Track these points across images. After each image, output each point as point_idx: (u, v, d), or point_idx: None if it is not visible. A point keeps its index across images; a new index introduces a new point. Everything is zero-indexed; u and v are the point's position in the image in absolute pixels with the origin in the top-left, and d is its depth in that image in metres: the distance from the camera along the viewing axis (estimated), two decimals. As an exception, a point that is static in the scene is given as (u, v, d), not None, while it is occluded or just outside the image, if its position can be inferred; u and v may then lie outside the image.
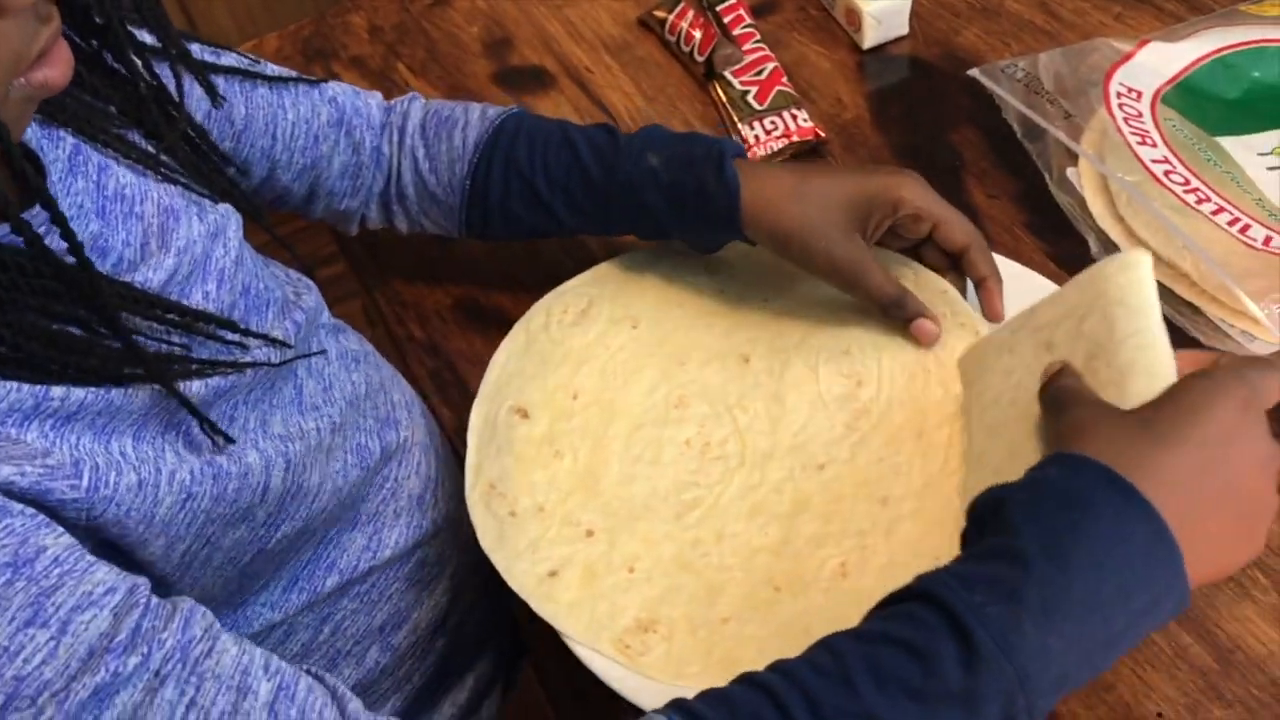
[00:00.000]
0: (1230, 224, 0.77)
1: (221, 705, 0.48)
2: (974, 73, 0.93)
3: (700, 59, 1.03)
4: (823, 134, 0.96)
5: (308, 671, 0.54)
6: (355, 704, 0.53)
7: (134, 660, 0.46)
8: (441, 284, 0.93)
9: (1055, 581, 0.49)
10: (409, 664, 0.79)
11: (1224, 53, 0.91)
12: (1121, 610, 0.49)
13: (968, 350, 0.74)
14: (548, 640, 0.69)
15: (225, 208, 0.66)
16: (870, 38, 1.03)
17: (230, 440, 0.59)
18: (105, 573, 0.48)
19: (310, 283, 0.76)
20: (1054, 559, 0.49)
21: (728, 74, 1.01)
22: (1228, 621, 0.66)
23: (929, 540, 0.68)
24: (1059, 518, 0.50)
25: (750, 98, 0.99)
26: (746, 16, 1.05)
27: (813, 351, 0.78)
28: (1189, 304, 0.77)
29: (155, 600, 0.49)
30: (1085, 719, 0.64)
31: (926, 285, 0.78)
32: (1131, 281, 0.61)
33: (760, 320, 0.81)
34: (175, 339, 0.58)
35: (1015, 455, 0.63)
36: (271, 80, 0.79)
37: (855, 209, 0.74)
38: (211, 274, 0.62)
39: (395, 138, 0.84)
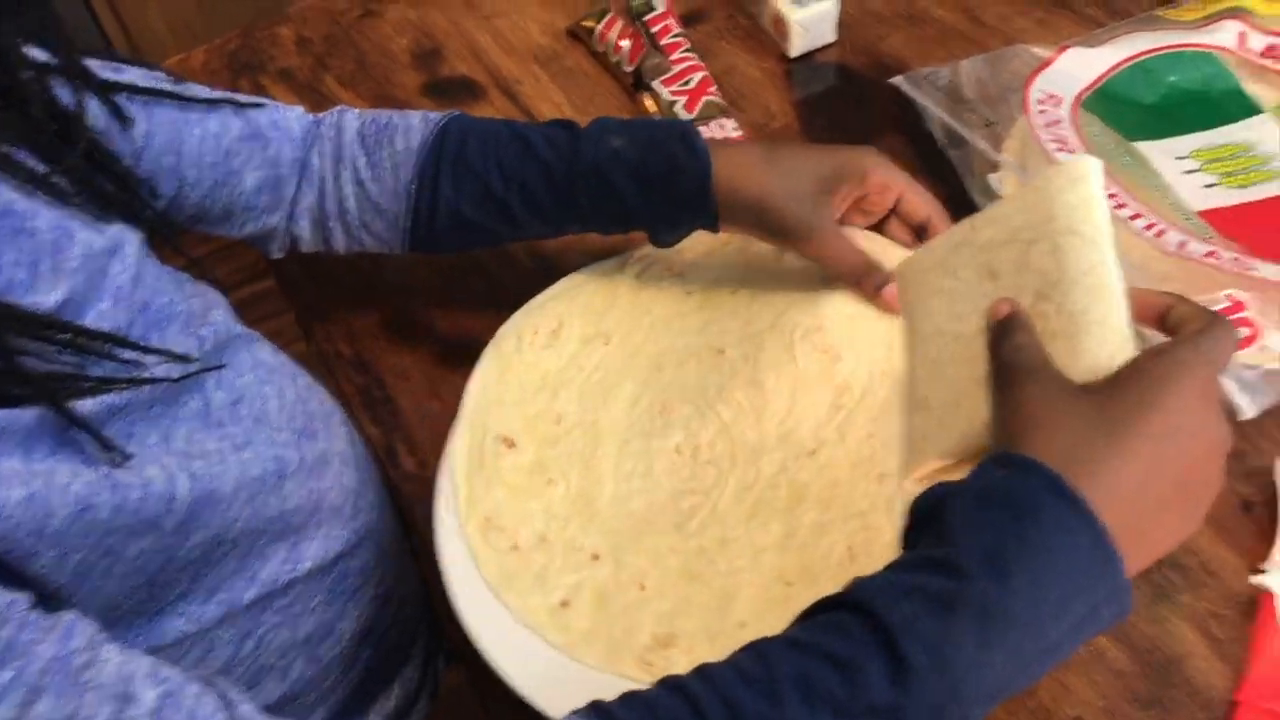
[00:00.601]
0: (1146, 229, 0.78)
1: (104, 715, 0.47)
2: (897, 81, 0.94)
3: (629, 69, 1.03)
4: None
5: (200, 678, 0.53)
6: (247, 708, 0.52)
7: (7, 674, 0.45)
8: (372, 300, 0.93)
9: (995, 594, 0.48)
10: (335, 675, 0.78)
11: (1142, 58, 0.92)
12: (1061, 621, 0.49)
13: (907, 260, 0.69)
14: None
15: (121, 225, 0.65)
16: (797, 46, 1.03)
17: (126, 456, 0.58)
18: None
19: (218, 296, 0.75)
20: (995, 571, 0.48)
21: (656, 84, 1.01)
22: (1145, 623, 0.67)
23: None
24: (1002, 527, 0.49)
25: (679, 107, 0.99)
26: (675, 26, 1.05)
27: (785, 331, 0.77)
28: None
29: (34, 615, 0.48)
30: (1006, 724, 0.65)
31: (894, 257, 0.76)
32: (1082, 201, 0.57)
33: (731, 310, 0.81)
34: (68, 358, 0.57)
35: (959, 405, 0.59)
36: (177, 97, 0.77)
37: (824, 179, 0.75)
38: (107, 292, 0.61)
39: (328, 149, 0.81)
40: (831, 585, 0.66)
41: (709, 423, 0.75)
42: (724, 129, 0.97)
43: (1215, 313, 0.56)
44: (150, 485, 0.59)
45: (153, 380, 0.62)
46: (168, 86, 0.76)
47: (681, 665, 0.64)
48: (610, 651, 0.66)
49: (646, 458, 0.74)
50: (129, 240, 0.64)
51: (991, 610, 0.47)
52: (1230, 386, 0.71)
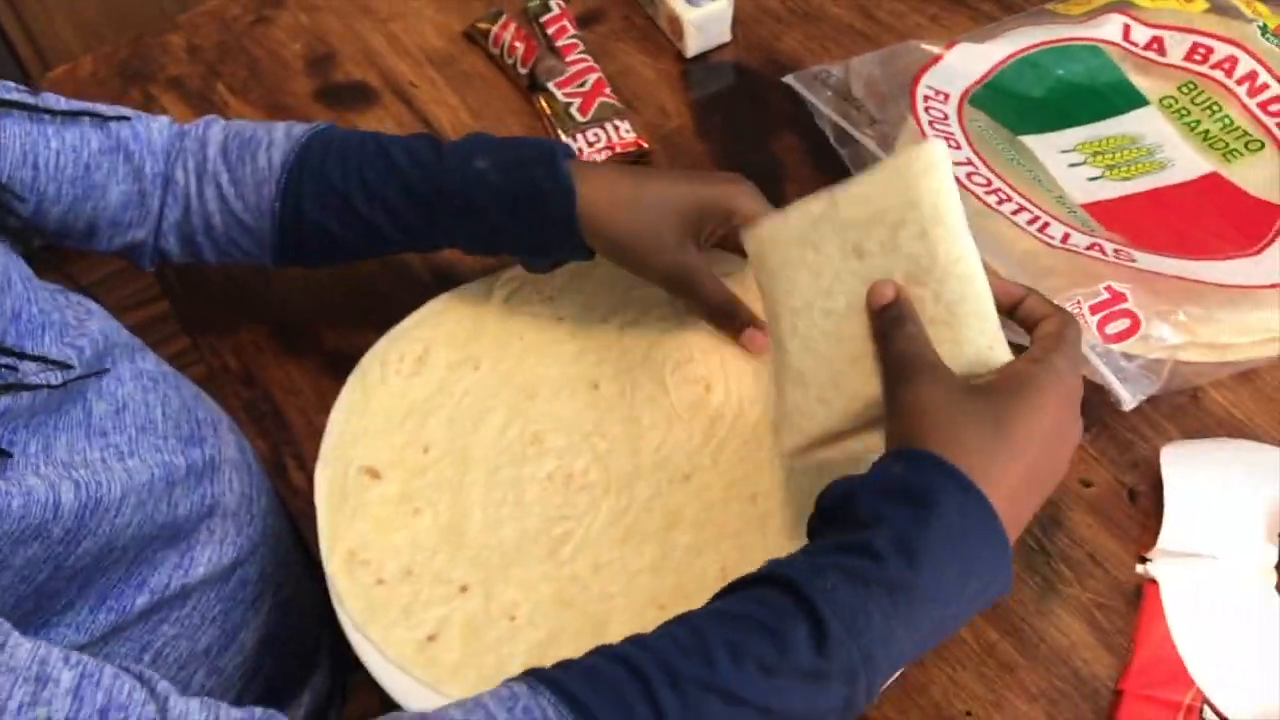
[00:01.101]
0: (1030, 223, 0.79)
1: (19, 697, 0.46)
2: (789, 80, 0.94)
3: (524, 71, 1.02)
4: (646, 144, 0.96)
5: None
6: (165, 684, 0.51)
7: None
8: (259, 314, 0.91)
9: (903, 575, 0.52)
10: (238, 686, 0.77)
11: (1029, 51, 0.93)
12: (959, 598, 0.54)
13: (761, 227, 0.69)
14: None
15: None
16: (693, 45, 1.03)
17: (7, 454, 0.58)
18: None
19: (95, 306, 0.74)
20: (903, 553, 0.52)
21: (550, 86, 1.00)
22: (1034, 616, 0.67)
23: (802, 527, 0.67)
24: (908, 515, 0.54)
25: (573, 110, 0.98)
26: (571, 27, 1.04)
27: (658, 365, 0.78)
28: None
29: None
30: (898, 722, 0.65)
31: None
32: (940, 188, 0.60)
33: (604, 341, 0.80)
34: None
35: (838, 385, 0.62)
36: (30, 108, 0.75)
37: (690, 218, 0.74)
38: None
39: (191, 164, 0.79)
40: (704, 606, 0.66)
41: (582, 454, 0.75)
42: (619, 130, 0.96)
43: (1066, 311, 0.61)
44: (32, 494, 0.58)
45: (34, 387, 0.61)
46: (18, 98, 0.74)
47: None
48: (481, 684, 0.65)
49: (518, 485, 0.74)
50: None
51: (901, 588, 0.52)
52: (1110, 378, 0.72)
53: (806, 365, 0.64)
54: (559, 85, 1.00)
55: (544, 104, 1.00)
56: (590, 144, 0.96)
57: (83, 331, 0.69)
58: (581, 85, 1.00)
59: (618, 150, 0.95)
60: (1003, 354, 0.59)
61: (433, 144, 0.77)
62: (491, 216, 0.75)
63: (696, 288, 0.75)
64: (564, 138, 0.96)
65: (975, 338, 0.59)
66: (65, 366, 0.64)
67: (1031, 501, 0.58)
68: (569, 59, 1.02)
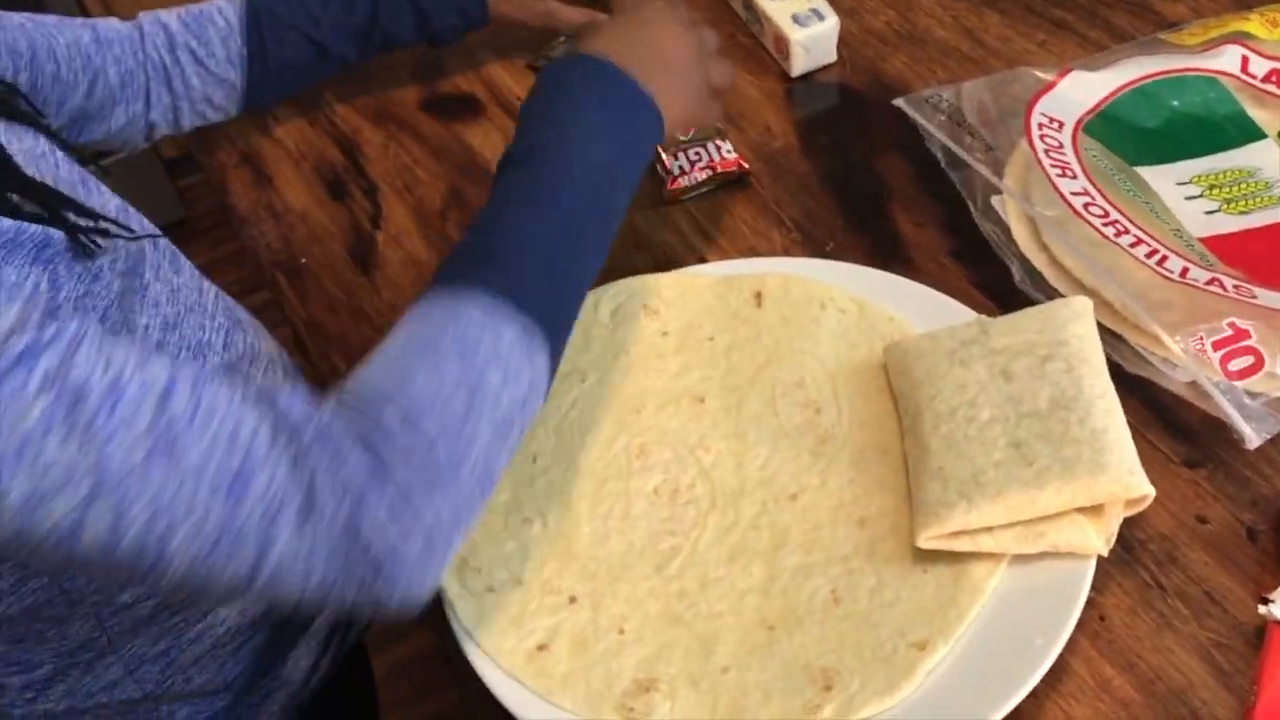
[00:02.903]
0: (1148, 256, 0.78)
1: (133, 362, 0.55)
2: (899, 103, 0.94)
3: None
4: (747, 165, 0.96)
5: None
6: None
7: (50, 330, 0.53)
8: (366, 317, 0.92)
9: (532, 149, 0.70)
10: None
11: (1143, 82, 0.92)
12: (603, 136, 0.71)
13: (904, 343, 0.76)
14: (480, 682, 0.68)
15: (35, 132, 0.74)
16: (799, 65, 1.03)
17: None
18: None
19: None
20: (540, 123, 0.71)
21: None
22: (1150, 653, 0.67)
23: (913, 553, 0.68)
24: (550, 94, 0.73)
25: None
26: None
27: (767, 385, 0.78)
28: (1112, 331, 0.77)
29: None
30: (1010, 754, 0.64)
31: (871, 314, 0.81)
32: (1088, 334, 0.72)
33: (709, 358, 0.81)
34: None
35: (980, 482, 0.66)
36: (31, 19, 0.87)
37: None
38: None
39: (160, 40, 0.94)
40: (816, 629, 0.67)
41: (688, 467, 0.75)
42: (720, 150, 0.96)
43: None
44: None
45: (142, 235, 0.73)
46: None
47: (663, 710, 0.64)
48: (589, 697, 0.66)
49: (625, 499, 0.74)
50: (46, 145, 0.73)
51: (529, 157, 0.70)
52: (1235, 415, 0.71)
53: (948, 462, 0.68)
54: None
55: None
56: (692, 163, 0.96)
57: (132, 215, 0.79)
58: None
59: (719, 170, 0.95)
60: (1142, 481, 0.65)
61: None
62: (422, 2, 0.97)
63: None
64: (664, 155, 0.97)
65: (1118, 462, 0.65)
66: (130, 231, 0.72)
67: (661, 73, 0.75)
68: None
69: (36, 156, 0.71)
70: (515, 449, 0.62)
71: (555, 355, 0.65)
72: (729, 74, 0.85)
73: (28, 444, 0.51)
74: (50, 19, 0.89)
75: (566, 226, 0.68)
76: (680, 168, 0.96)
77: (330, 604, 0.57)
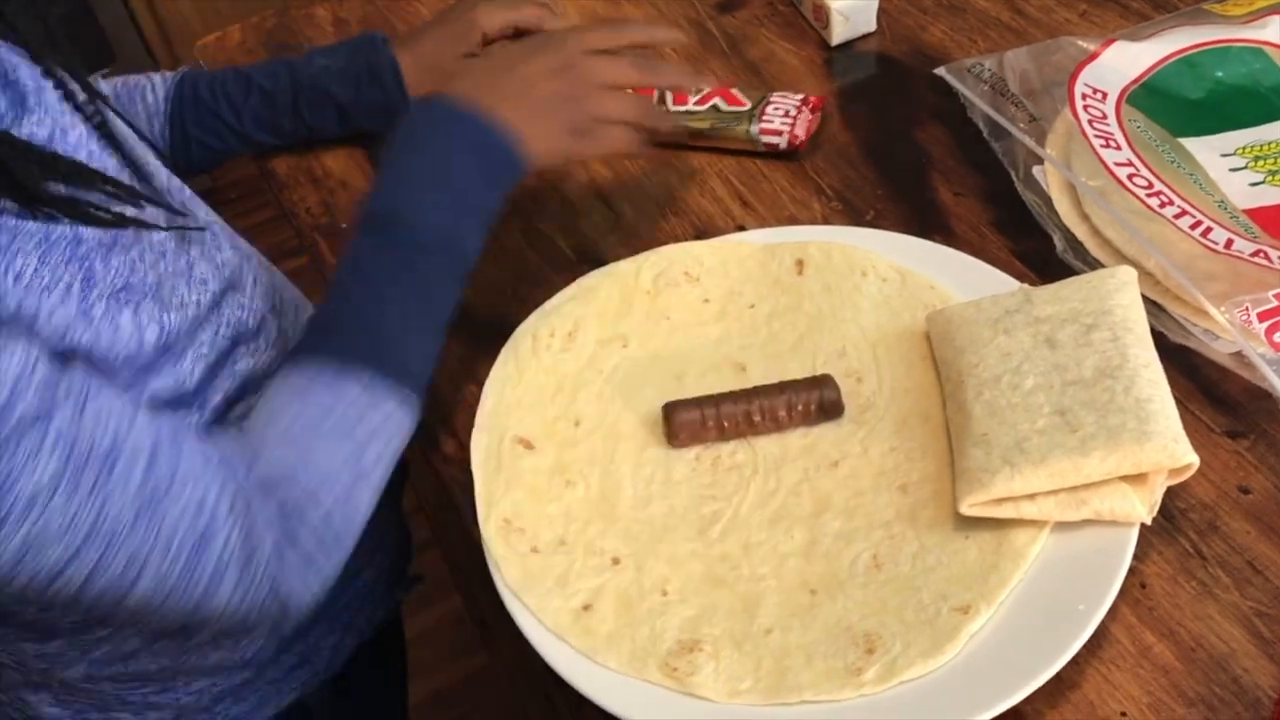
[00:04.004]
0: (1193, 227, 0.78)
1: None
2: (940, 71, 0.94)
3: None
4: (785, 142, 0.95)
5: None
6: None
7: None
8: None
9: (382, 207, 0.74)
10: None
11: (1188, 52, 0.91)
12: (456, 186, 0.74)
13: (946, 311, 0.76)
14: (512, 643, 0.69)
15: None
16: (838, 34, 1.03)
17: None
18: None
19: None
20: (388, 186, 0.75)
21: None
22: (1191, 620, 0.67)
23: (955, 519, 0.69)
24: (406, 144, 0.76)
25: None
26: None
27: (808, 355, 0.79)
28: (1154, 302, 0.77)
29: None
30: (1050, 718, 0.65)
31: (913, 282, 0.81)
32: (1132, 304, 0.72)
33: (751, 325, 0.81)
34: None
35: (1023, 449, 0.66)
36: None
37: (458, 57, 0.96)
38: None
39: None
40: (858, 593, 0.67)
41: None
42: (788, 101, 0.96)
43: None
44: (119, 331, 0.67)
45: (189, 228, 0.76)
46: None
47: (708, 670, 0.65)
48: (634, 656, 0.66)
49: (666, 464, 0.75)
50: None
51: (384, 224, 0.73)
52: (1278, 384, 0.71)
53: (991, 429, 0.68)
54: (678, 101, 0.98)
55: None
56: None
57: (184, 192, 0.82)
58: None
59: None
60: (1187, 450, 0.65)
61: (282, 61, 0.98)
62: (342, 97, 0.96)
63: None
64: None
65: (1163, 431, 0.65)
66: (182, 214, 0.77)
67: (528, 106, 0.77)
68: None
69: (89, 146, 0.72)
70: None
71: (423, 401, 0.73)
72: (626, 106, 0.81)
73: (37, 498, 0.56)
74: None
75: (424, 289, 0.74)
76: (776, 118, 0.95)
77: (234, 630, 0.70)
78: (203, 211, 0.82)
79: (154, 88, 0.97)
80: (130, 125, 0.80)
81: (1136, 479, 0.66)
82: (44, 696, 0.79)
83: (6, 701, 0.82)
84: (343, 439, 0.69)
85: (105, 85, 0.95)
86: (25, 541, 0.56)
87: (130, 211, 0.69)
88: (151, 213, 0.72)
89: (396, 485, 0.91)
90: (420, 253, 0.73)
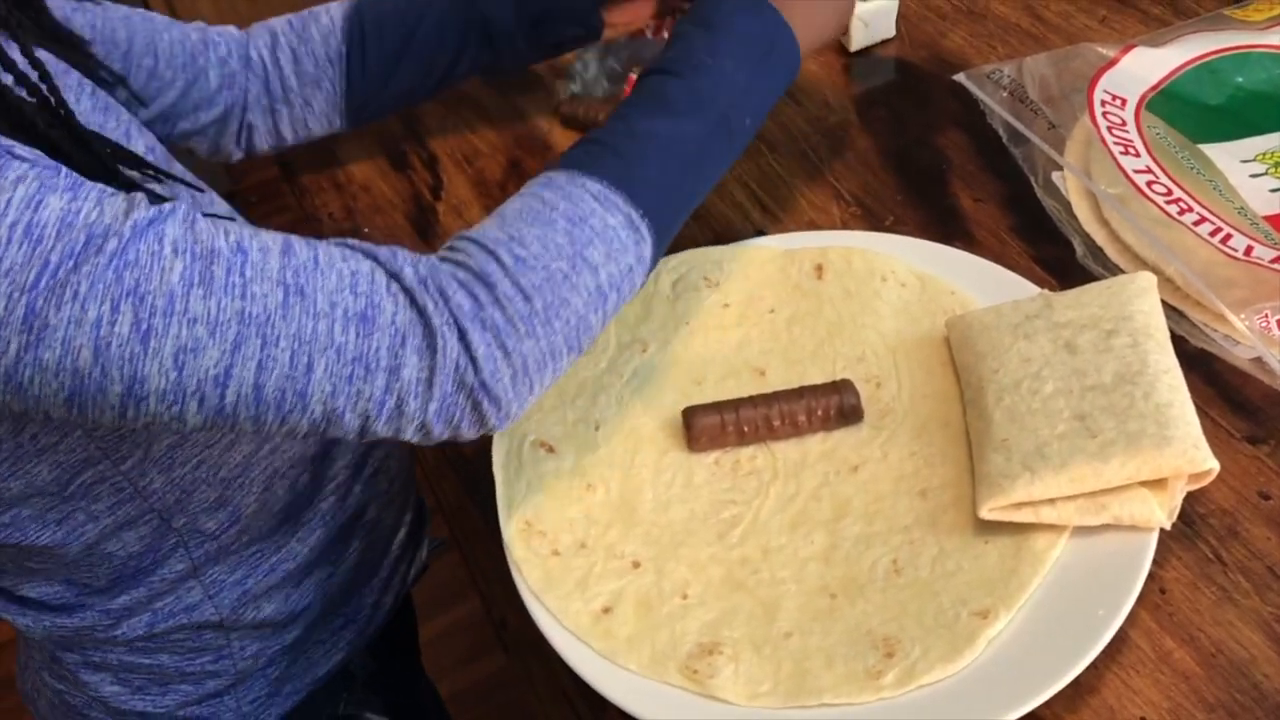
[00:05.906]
0: (1212, 234, 0.78)
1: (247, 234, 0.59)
2: (960, 78, 0.94)
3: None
4: None
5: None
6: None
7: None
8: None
9: (693, 56, 0.71)
10: (331, 499, 0.83)
11: (1208, 58, 0.92)
12: (743, 64, 0.71)
13: (967, 316, 0.77)
14: (532, 645, 0.70)
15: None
16: (857, 40, 1.03)
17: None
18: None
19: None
20: (690, 43, 0.72)
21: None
22: (1211, 626, 0.67)
23: (975, 524, 0.69)
24: (704, 16, 0.73)
25: None
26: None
27: (828, 360, 0.79)
28: (1174, 307, 0.78)
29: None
30: (1070, 723, 0.65)
31: (933, 288, 0.81)
32: (1152, 310, 0.72)
33: (770, 331, 0.82)
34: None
35: (1044, 454, 0.67)
36: (142, 15, 0.88)
37: None
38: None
39: (264, 42, 0.93)
40: (878, 597, 0.68)
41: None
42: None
43: None
44: None
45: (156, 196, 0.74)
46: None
47: (728, 672, 0.65)
48: (654, 659, 0.67)
49: (686, 468, 0.75)
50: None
51: (665, 73, 0.70)
52: (1300, 392, 0.71)
53: (1012, 434, 0.69)
54: None
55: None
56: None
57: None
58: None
59: None
60: (1207, 455, 0.65)
61: None
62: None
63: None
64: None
65: (1183, 436, 0.65)
66: (200, 189, 0.77)
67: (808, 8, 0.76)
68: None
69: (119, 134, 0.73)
70: (612, 316, 0.67)
71: (658, 249, 0.68)
72: None
73: (174, 300, 0.55)
74: (162, 19, 0.90)
75: (691, 137, 0.69)
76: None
77: (436, 432, 0.62)
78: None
79: (330, 8, 0.94)
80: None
81: (1156, 484, 0.67)
82: (104, 676, 0.80)
83: (65, 689, 0.82)
84: (562, 232, 0.64)
85: (281, 21, 0.95)
86: (178, 345, 0.55)
87: (163, 190, 0.70)
88: (181, 192, 0.73)
89: (407, 452, 0.91)
90: (701, 102, 0.70)
